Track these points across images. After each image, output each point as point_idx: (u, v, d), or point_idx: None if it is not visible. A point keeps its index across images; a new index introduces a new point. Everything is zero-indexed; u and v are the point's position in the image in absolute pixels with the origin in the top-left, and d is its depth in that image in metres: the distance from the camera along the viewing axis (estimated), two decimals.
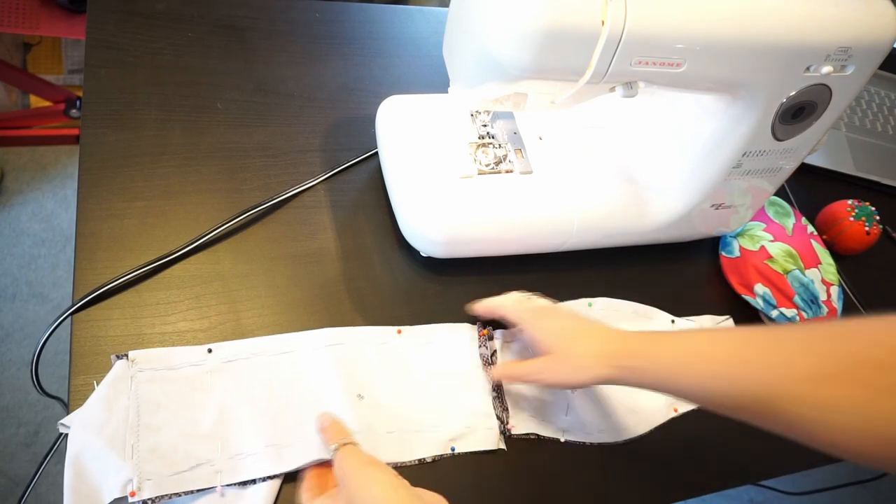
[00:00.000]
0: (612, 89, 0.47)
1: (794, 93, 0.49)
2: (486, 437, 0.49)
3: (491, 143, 0.57)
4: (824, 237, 0.73)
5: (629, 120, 0.63)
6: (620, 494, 0.51)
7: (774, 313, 0.63)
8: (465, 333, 0.54)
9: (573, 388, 0.52)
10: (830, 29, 0.46)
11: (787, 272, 0.63)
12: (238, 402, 0.45)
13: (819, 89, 0.49)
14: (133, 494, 0.39)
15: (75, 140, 1.48)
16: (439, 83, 0.53)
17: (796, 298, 0.63)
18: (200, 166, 0.57)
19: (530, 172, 0.57)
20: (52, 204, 1.43)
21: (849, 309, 0.67)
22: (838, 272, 0.67)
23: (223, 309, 0.50)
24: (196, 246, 0.51)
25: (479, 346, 0.53)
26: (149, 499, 0.39)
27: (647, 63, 0.43)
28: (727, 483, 0.54)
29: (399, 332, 0.52)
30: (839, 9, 0.46)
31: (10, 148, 1.45)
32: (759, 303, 0.63)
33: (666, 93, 0.58)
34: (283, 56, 0.68)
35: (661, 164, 0.60)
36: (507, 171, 0.56)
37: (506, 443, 0.50)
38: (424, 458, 0.47)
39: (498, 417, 0.50)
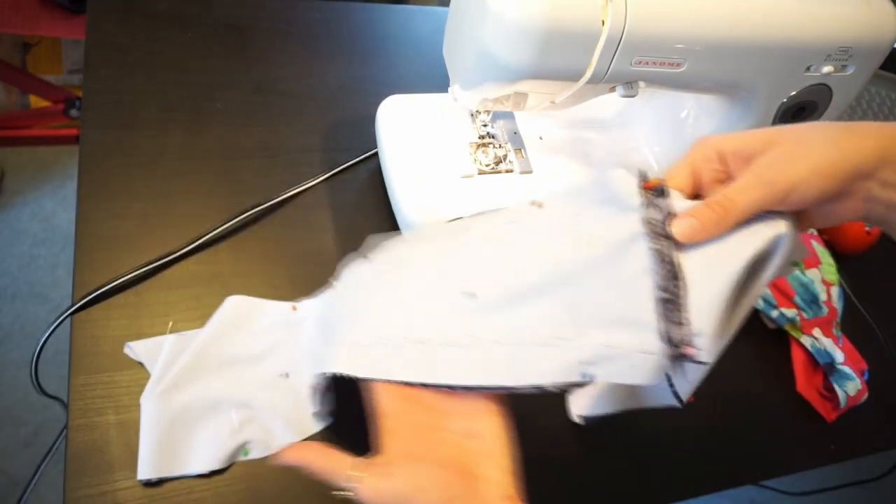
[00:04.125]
0: (612, 89, 0.47)
1: (794, 93, 0.49)
2: (638, 365, 0.31)
3: (491, 143, 0.57)
4: (824, 237, 0.73)
5: (629, 120, 0.63)
6: (621, 494, 0.51)
7: (774, 313, 0.63)
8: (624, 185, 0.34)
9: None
10: (830, 29, 0.46)
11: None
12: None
13: (819, 89, 0.49)
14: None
15: (75, 140, 1.47)
16: (439, 83, 0.53)
17: (796, 298, 0.63)
18: (200, 166, 0.57)
19: (530, 172, 0.57)
20: (52, 204, 1.43)
21: (849, 309, 0.67)
22: (838, 272, 0.67)
23: None
24: (196, 246, 0.51)
25: (645, 206, 0.31)
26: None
27: (647, 63, 0.43)
28: (727, 483, 0.54)
29: (540, 205, 0.37)
30: (839, 9, 0.46)
31: (10, 148, 1.45)
32: (759, 302, 0.63)
33: (666, 93, 0.58)
34: (283, 56, 0.68)
35: (662, 164, 0.60)
36: (507, 171, 0.56)
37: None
38: (543, 385, 0.33)
39: (664, 336, 0.30)
